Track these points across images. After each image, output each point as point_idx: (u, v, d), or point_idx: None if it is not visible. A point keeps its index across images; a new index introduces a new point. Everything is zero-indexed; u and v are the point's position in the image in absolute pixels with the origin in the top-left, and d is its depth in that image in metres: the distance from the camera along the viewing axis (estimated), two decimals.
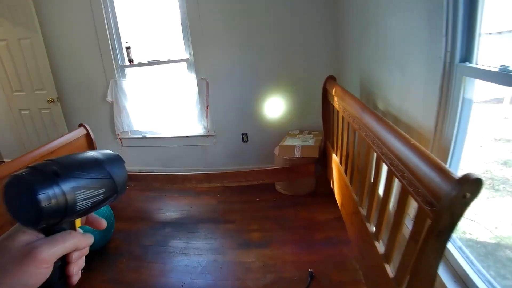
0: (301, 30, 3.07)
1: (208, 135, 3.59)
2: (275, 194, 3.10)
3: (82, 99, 3.80)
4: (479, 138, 1.73)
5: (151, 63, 3.52)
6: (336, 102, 2.18)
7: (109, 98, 3.59)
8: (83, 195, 0.42)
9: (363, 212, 1.65)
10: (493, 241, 1.50)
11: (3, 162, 4.40)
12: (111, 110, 3.70)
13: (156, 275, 2.17)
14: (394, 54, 1.81)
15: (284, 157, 2.86)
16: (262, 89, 3.34)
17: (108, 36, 3.42)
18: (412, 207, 1.25)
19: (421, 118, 1.57)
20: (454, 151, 1.43)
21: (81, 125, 2.88)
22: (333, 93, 2.22)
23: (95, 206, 0.45)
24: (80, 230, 0.48)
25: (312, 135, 3.10)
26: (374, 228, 1.49)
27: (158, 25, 3.44)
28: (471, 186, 0.78)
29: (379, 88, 2.08)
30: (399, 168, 1.12)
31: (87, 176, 0.44)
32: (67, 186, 0.40)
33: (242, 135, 3.56)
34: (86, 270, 0.46)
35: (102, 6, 3.31)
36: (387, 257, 1.30)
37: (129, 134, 3.82)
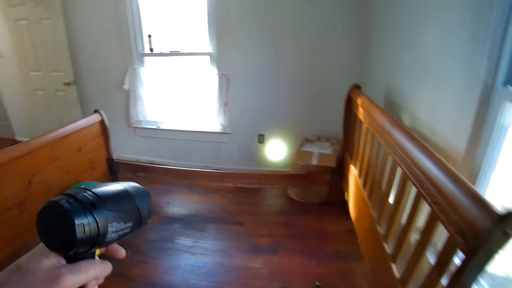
0: (328, 34, 3.00)
1: (224, 133, 3.55)
2: (287, 200, 3.04)
3: (98, 84, 3.80)
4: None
5: (172, 53, 3.49)
6: (361, 113, 2.11)
7: (126, 86, 3.58)
8: (114, 227, 0.43)
9: (381, 230, 1.59)
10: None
11: (15, 139, 4.49)
12: (126, 97, 3.69)
13: (160, 272, 2.15)
14: (428, 69, 1.73)
15: (300, 163, 2.80)
16: (282, 91, 3.28)
17: (130, 22, 3.40)
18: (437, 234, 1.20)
19: (451, 139, 1.50)
20: (482, 178, 1.36)
21: (96, 111, 2.88)
22: (359, 103, 2.15)
23: (120, 237, 0.46)
24: (96, 256, 0.48)
25: (330, 143, 3.04)
26: (392, 250, 1.42)
27: (183, 16, 3.39)
28: None
29: (407, 102, 2.00)
30: (430, 192, 1.06)
31: (120, 209, 0.45)
32: (101, 218, 0.41)
33: (259, 136, 3.51)
34: None
35: None
36: (404, 282, 1.24)
37: (143, 123, 3.82)
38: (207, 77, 3.42)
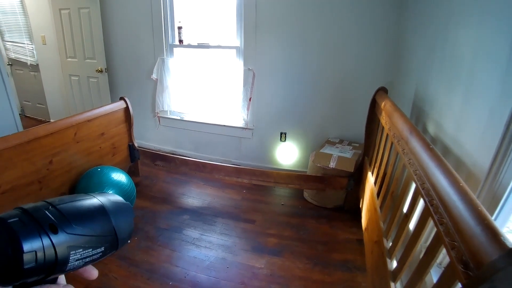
0: (358, 34, 2.85)
1: (246, 128, 3.51)
2: (301, 201, 2.95)
3: (129, 72, 3.90)
4: None
5: (200, 45, 3.48)
6: (383, 117, 1.98)
7: (154, 76, 3.63)
8: (78, 255, 0.35)
9: (387, 244, 1.47)
10: None
11: (50, 122, 4.69)
12: (154, 87, 3.75)
13: (163, 260, 2.15)
14: (459, 74, 1.58)
15: (318, 164, 2.70)
16: (308, 90, 3.18)
17: (162, 14, 3.44)
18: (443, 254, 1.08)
19: (476, 154, 1.35)
20: (507, 201, 1.21)
21: (122, 98, 2.93)
22: (382, 106, 2.02)
23: (87, 264, 0.37)
24: (63, 279, 0.39)
25: (351, 147, 2.90)
26: (394, 266, 1.31)
27: (213, 9, 3.38)
28: None
29: (433, 109, 1.85)
30: (438, 210, 0.95)
31: (88, 233, 0.37)
32: (61, 245, 0.33)
33: (281, 134, 3.43)
34: None
35: None
36: None
37: (168, 114, 3.86)
38: (233, 71, 3.39)
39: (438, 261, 1.40)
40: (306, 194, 2.98)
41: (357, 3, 2.76)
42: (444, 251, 0.90)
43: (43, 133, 2.18)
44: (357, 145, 2.95)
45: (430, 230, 1.38)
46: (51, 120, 4.70)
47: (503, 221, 1.21)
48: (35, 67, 4.73)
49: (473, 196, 0.84)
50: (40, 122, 4.87)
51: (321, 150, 2.85)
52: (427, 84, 1.99)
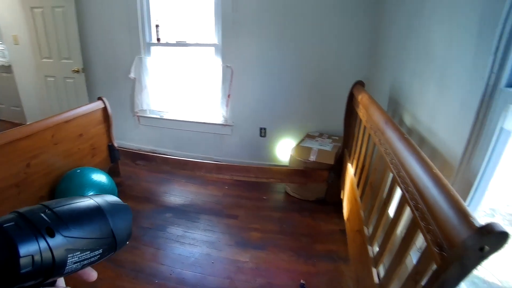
0: (336, 29, 2.89)
1: (226, 125, 3.51)
2: (283, 195, 2.99)
3: (106, 72, 3.81)
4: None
5: (178, 44, 3.45)
6: (361, 110, 2.03)
7: (132, 75, 3.57)
8: (76, 258, 0.35)
9: (367, 232, 1.52)
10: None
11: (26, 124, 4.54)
12: (133, 86, 3.68)
13: (149, 259, 2.13)
14: (432, 68, 1.64)
15: (299, 158, 2.74)
16: (286, 85, 3.21)
17: (139, 12, 3.38)
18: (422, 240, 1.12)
19: (450, 143, 1.41)
20: (479, 185, 1.27)
21: (99, 98, 2.88)
22: (359, 100, 2.07)
23: (85, 266, 0.37)
24: (62, 281, 0.39)
25: (331, 140, 2.96)
26: (375, 253, 1.36)
27: (190, 7, 3.35)
28: (493, 238, 0.64)
29: (409, 102, 1.91)
30: (413, 197, 0.99)
31: (86, 235, 0.36)
32: (59, 248, 0.33)
33: (261, 129, 3.45)
34: None
35: None
36: None
37: (147, 113, 3.80)
38: (212, 68, 3.37)
39: (418, 245, 1.46)
40: (288, 188, 3.01)
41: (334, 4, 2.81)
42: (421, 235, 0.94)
43: (19, 136, 2.11)
44: (337, 138, 3.01)
45: (408, 216, 1.44)
46: (28, 123, 4.55)
47: (476, 204, 1.27)
48: (7, 68, 4.54)
49: (446, 181, 0.88)
50: (16, 125, 4.64)
51: (301, 144, 2.89)
52: (403, 78, 2.05)
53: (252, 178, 2.90)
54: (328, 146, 2.82)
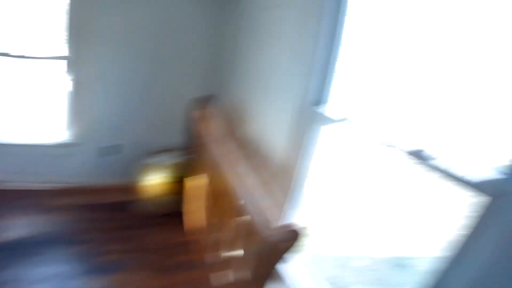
0: (184, 46, 3.04)
1: (72, 144, 3.19)
2: (131, 213, 2.94)
3: None
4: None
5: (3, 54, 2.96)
6: (204, 124, 2.24)
7: None
8: None
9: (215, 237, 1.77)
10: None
11: None
12: None
13: None
14: (270, 85, 1.94)
15: (148, 174, 2.83)
16: (136, 100, 3.16)
17: None
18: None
19: (277, 151, 1.74)
20: (297, 185, 1.62)
21: None
22: (204, 114, 2.29)
23: None
24: None
25: (178, 153, 3.06)
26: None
27: (33, 15, 2.97)
28: (289, 235, 0.85)
29: (250, 114, 2.21)
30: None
31: None
32: None
33: (110, 146, 3.30)
34: None
35: None
36: None
37: None
38: (56, 83, 2.99)
39: None
40: (141, 204, 2.99)
41: (181, 11, 2.93)
42: None
43: None
44: (184, 151, 3.10)
45: None
46: None
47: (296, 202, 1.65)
48: None
49: (257, 188, 1.16)
50: None
51: (150, 160, 2.95)
52: (248, 95, 2.34)
53: (99, 200, 2.82)
54: (174, 159, 2.95)
